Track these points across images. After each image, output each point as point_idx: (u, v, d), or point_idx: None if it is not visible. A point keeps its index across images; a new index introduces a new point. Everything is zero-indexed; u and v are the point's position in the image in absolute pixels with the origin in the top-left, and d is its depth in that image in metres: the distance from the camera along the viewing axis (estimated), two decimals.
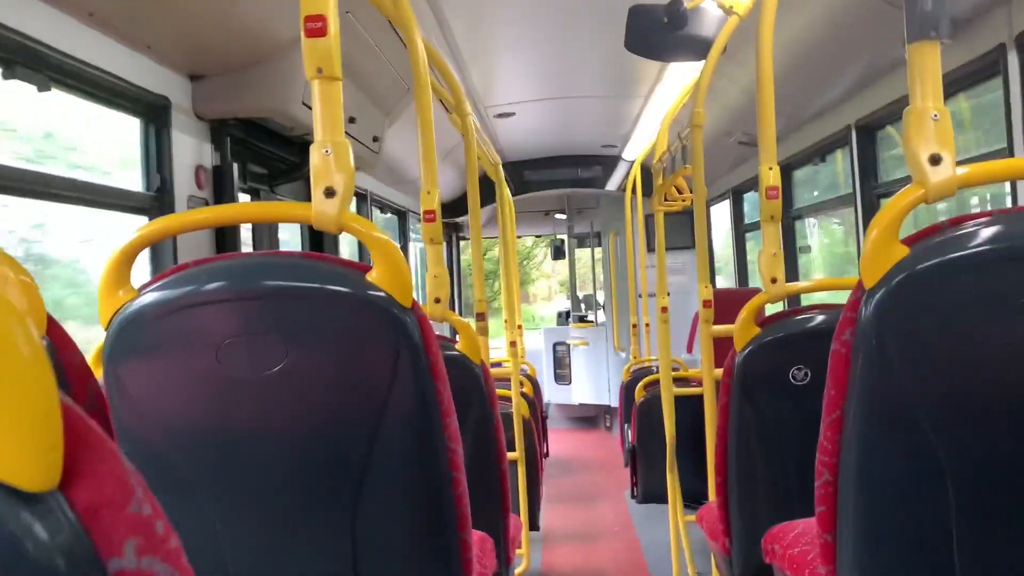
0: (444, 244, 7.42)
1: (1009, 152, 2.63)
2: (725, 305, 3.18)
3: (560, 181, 7.60)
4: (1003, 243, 1.20)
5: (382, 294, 1.24)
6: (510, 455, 3.43)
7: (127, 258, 1.32)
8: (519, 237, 9.26)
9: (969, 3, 2.67)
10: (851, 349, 1.25)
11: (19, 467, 0.38)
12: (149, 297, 1.25)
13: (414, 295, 1.28)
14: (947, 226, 1.24)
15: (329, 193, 1.26)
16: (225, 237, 2.89)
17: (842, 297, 1.34)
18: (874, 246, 1.22)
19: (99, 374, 1.30)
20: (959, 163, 1.28)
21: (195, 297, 1.24)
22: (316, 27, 1.25)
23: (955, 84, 2.90)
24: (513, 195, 6.93)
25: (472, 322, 2.83)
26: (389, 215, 6.26)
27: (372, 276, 1.25)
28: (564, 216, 9.26)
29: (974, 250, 1.19)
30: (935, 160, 1.23)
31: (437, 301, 2.10)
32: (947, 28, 1.19)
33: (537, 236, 10.46)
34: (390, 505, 1.30)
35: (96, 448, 0.42)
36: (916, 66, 1.26)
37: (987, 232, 1.21)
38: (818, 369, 2.06)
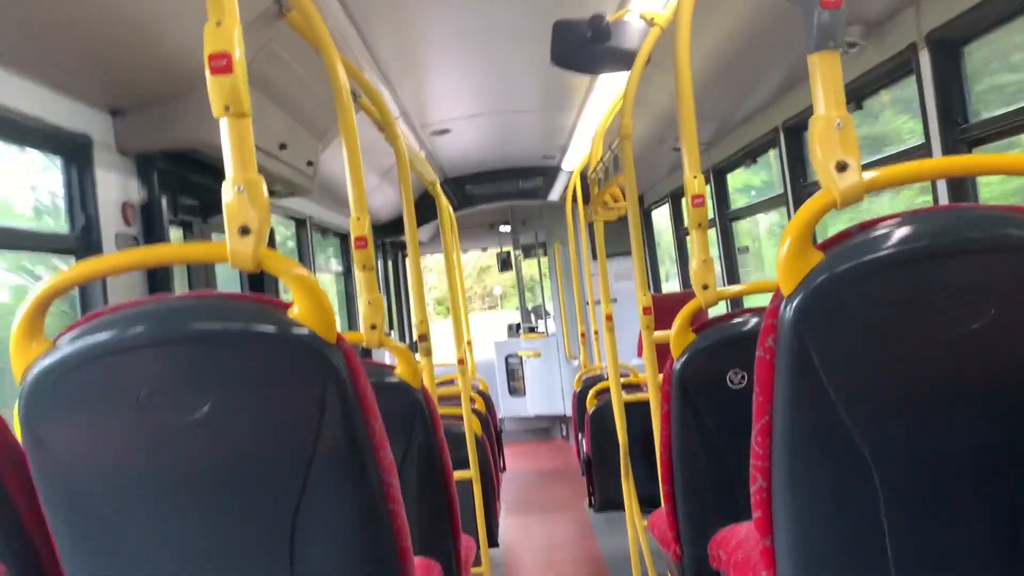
0: (390, 263, 7.34)
1: (928, 149, 2.71)
2: (668, 310, 3.21)
3: (502, 194, 7.63)
4: (914, 243, 1.23)
5: (305, 331, 1.22)
6: (464, 474, 3.41)
7: (39, 309, 1.28)
8: (464, 251, 9.26)
9: (880, 5, 2.76)
10: (774, 355, 1.27)
11: None
12: (64, 348, 1.22)
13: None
14: (858, 230, 1.27)
15: (244, 231, 1.24)
16: (157, 276, 2.83)
17: None
18: (789, 253, 1.24)
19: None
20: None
21: (113, 345, 1.21)
22: (221, 65, 1.23)
23: (872, 84, 2.99)
24: (456, 210, 6.93)
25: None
26: (332, 238, 6.21)
27: (293, 313, 1.23)
28: (509, 228, 9.29)
29: (887, 251, 1.22)
30: (842, 167, 1.26)
31: (373, 328, 2.08)
32: (843, 38, 1.22)
33: (483, 249, 10.47)
34: (327, 543, 1.28)
35: None
36: (818, 76, 1.29)
37: (899, 233, 1.24)
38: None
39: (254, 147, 1.27)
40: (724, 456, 2.09)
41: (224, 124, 1.26)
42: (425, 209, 6.38)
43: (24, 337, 1.24)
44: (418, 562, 1.83)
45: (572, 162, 6.75)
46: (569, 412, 8.02)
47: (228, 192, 1.25)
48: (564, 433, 8.81)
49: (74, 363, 1.21)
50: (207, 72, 1.23)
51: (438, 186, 4.46)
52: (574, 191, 5.81)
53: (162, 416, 1.21)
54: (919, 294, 1.23)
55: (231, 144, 1.26)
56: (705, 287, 2.15)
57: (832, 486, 1.29)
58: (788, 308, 1.25)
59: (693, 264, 2.18)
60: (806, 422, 1.28)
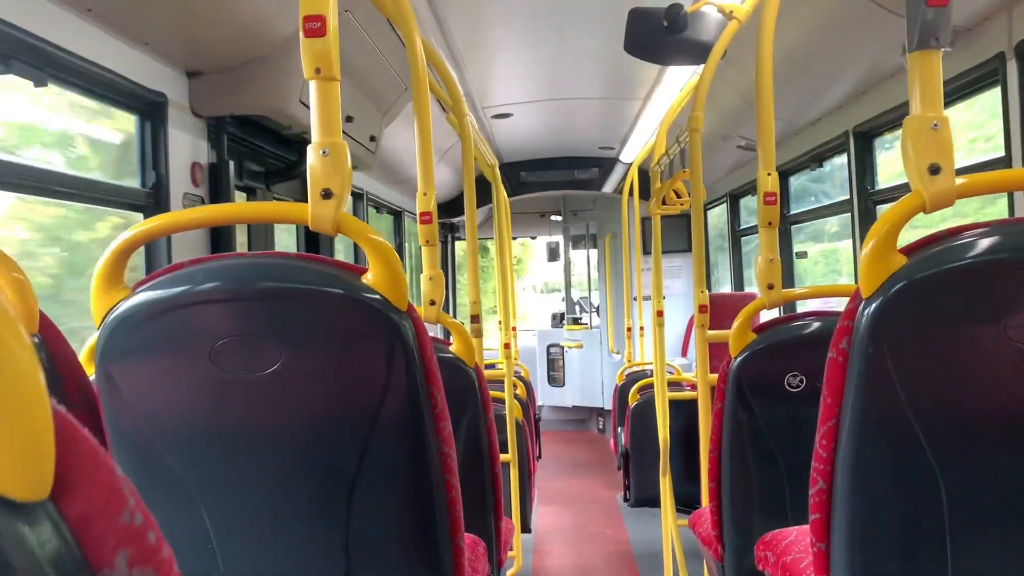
0: (439, 245, 7.37)
1: (1007, 162, 2.63)
2: (721, 309, 3.19)
3: (557, 183, 7.60)
4: (1002, 254, 1.19)
5: (377, 296, 1.23)
6: (503, 457, 3.42)
7: (121, 256, 1.31)
8: (514, 239, 9.28)
9: (969, 11, 2.67)
10: (847, 358, 1.25)
11: (9, 477, 0.37)
12: (143, 296, 1.24)
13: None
14: (946, 236, 1.24)
15: (326, 195, 1.25)
16: (220, 236, 2.87)
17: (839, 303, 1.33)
18: (872, 255, 1.22)
19: (91, 371, 1.29)
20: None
21: (189, 297, 1.23)
22: (315, 27, 1.24)
23: (954, 93, 2.90)
24: (509, 196, 6.93)
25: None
26: (385, 214, 6.25)
27: (367, 278, 1.24)
28: (560, 218, 9.25)
29: (972, 260, 1.19)
30: (934, 170, 1.22)
31: (432, 303, 2.09)
32: (948, 37, 1.18)
33: (532, 237, 10.46)
34: (383, 508, 1.29)
35: (88, 457, 0.41)
36: (917, 75, 1.25)
37: (986, 242, 1.20)
38: (813, 376, 2.06)
39: (340, 112, 1.28)
40: (776, 459, 2.06)
41: (313, 87, 1.26)
42: (478, 193, 6.38)
43: (105, 283, 1.27)
44: (465, 538, 1.84)
45: (631, 154, 6.69)
46: (607, 406, 7.99)
47: (313, 155, 1.26)
48: (601, 426, 8.79)
49: (152, 311, 1.23)
50: (300, 33, 1.24)
51: (497, 170, 4.46)
52: (631, 184, 5.76)
53: (232, 370, 1.23)
54: (1001, 307, 1.19)
55: (319, 107, 1.26)
56: (770, 287, 2.12)
57: (896, 495, 1.27)
58: (866, 311, 1.22)
59: (760, 263, 2.15)
60: (874, 428, 1.25)
